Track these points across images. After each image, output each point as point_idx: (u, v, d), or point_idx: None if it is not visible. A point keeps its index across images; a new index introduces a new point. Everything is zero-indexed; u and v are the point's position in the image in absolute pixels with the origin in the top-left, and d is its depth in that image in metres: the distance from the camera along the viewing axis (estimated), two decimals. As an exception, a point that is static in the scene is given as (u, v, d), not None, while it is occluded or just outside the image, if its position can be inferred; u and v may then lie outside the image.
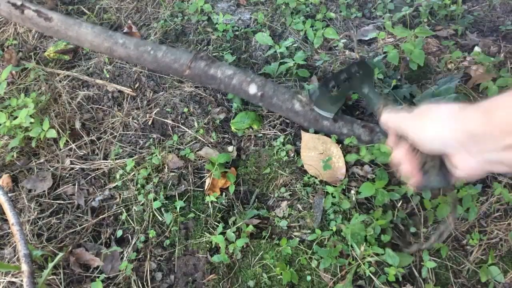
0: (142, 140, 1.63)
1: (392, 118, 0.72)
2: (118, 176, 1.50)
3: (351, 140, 1.43)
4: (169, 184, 1.46)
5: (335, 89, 1.37)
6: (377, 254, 1.22)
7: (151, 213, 1.40)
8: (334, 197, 1.36)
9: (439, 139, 0.61)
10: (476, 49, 1.79)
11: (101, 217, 1.44)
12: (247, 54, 1.91)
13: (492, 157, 0.56)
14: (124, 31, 1.97)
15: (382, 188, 1.33)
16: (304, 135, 1.52)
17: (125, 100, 1.76)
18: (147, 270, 1.32)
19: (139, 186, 1.46)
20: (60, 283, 1.28)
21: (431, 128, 0.61)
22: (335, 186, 1.39)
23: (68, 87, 1.79)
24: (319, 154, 1.46)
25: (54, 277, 1.29)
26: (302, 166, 1.48)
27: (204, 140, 1.59)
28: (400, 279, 1.23)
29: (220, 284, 1.28)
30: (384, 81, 1.73)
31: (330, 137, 1.50)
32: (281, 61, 1.79)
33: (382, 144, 1.38)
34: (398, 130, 0.71)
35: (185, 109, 1.68)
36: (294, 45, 1.89)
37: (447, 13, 1.97)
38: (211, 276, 1.29)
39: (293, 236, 1.35)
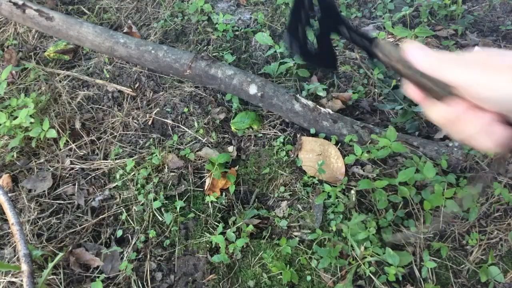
0: (142, 140, 1.63)
1: (428, 57, 0.50)
2: (118, 176, 1.50)
3: (351, 137, 1.43)
4: (169, 184, 1.46)
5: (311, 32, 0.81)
6: (377, 254, 1.22)
7: (151, 213, 1.40)
8: (333, 196, 1.36)
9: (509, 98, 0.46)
10: (476, 49, 1.78)
11: (101, 217, 1.44)
12: (247, 54, 1.91)
13: None
14: (124, 31, 1.97)
15: (381, 188, 1.33)
16: (302, 139, 1.52)
17: (125, 100, 1.76)
18: (147, 270, 1.32)
19: (139, 186, 1.46)
20: (60, 283, 1.28)
21: (502, 83, 0.45)
22: (335, 186, 1.39)
23: (68, 87, 1.79)
24: (317, 155, 1.46)
25: (54, 277, 1.29)
26: (302, 166, 1.48)
27: (204, 140, 1.59)
28: (400, 279, 1.23)
29: (220, 284, 1.28)
30: (384, 81, 1.73)
31: (330, 139, 1.51)
32: (281, 61, 1.79)
33: (380, 138, 1.37)
34: (437, 75, 0.51)
35: (185, 109, 1.68)
36: (294, 45, 1.89)
37: (447, 13, 1.97)
38: (211, 276, 1.29)
39: (293, 236, 1.35)
